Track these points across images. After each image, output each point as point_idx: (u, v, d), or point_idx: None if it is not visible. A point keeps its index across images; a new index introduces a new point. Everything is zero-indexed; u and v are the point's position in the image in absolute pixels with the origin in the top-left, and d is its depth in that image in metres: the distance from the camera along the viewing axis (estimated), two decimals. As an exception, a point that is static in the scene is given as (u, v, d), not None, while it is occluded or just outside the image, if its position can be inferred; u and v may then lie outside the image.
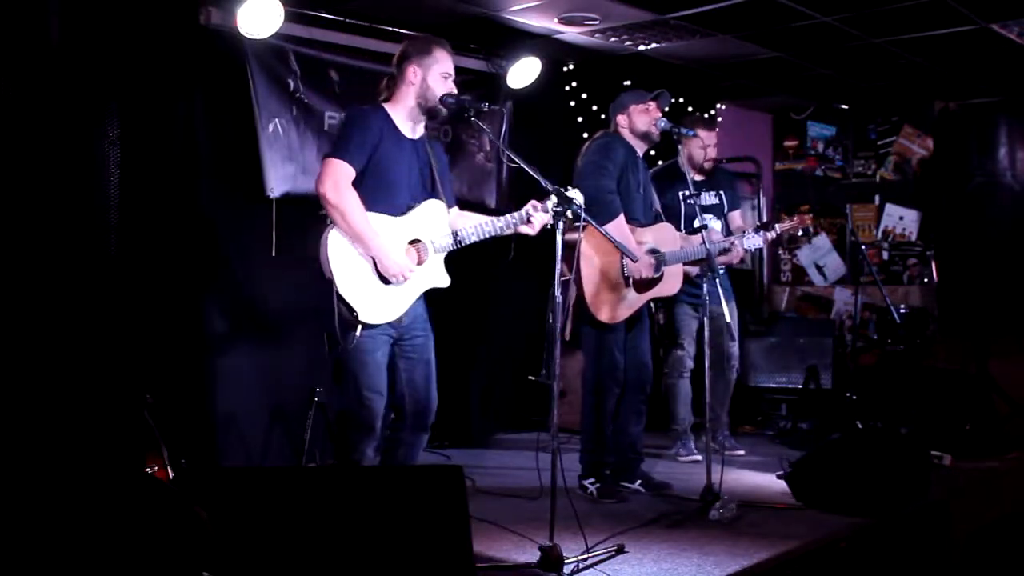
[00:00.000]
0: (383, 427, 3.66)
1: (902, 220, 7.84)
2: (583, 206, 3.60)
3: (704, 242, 4.42)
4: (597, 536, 3.69)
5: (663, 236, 4.70)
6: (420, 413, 3.69)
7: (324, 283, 3.53)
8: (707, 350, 4.62)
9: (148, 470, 3.59)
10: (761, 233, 5.16)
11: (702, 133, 5.39)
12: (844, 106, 7.99)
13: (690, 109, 7.25)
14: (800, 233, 6.38)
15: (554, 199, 3.59)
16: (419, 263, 3.61)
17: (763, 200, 8.22)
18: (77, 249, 4.19)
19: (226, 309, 4.83)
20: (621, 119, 4.68)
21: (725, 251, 5.04)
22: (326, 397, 4.55)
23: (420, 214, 3.65)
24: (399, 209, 3.60)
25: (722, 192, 5.63)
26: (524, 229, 3.76)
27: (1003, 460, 5.48)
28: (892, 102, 7.70)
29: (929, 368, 6.54)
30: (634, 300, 4.55)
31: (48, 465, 3.17)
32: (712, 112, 7.56)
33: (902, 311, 6.58)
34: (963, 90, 7.26)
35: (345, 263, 3.49)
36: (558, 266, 3.52)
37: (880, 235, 7.93)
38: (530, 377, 6.00)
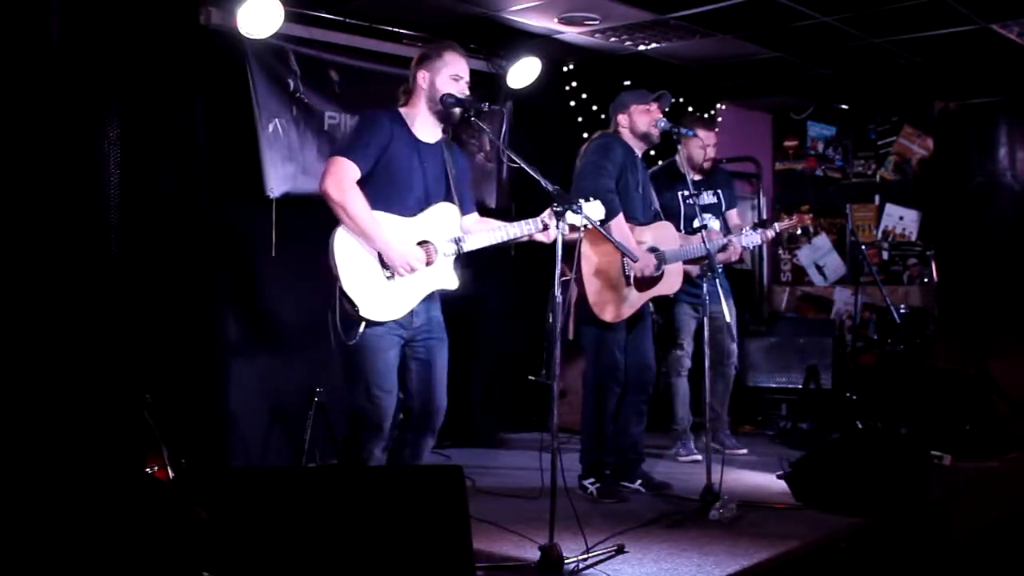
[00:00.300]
0: (391, 427, 3.67)
1: (902, 220, 7.84)
2: (586, 213, 3.63)
3: (704, 241, 4.43)
4: (597, 536, 3.69)
5: (662, 235, 4.70)
6: (428, 416, 3.70)
7: (327, 281, 3.55)
8: (707, 349, 4.62)
9: (148, 470, 3.59)
10: (759, 231, 5.16)
11: (702, 133, 5.39)
12: (844, 106, 8.00)
13: (690, 109, 7.25)
14: (800, 232, 6.39)
15: (583, 212, 3.63)
16: (427, 264, 3.61)
17: (763, 200, 8.22)
18: (77, 249, 4.19)
19: (226, 309, 4.82)
20: (622, 119, 4.68)
21: (723, 248, 5.04)
22: (327, 397, 4.55)
23: (430, 216, 3.66)
24: (409, 211, 3.61)
25: (720, 191, 5.63)
26: (540, 237, 3.76)
27: (1003, 460, 5.48)
28: (892, 102, 7.70)
29: (929, 368, 6.54)
30: (635, 299, 4.55)
31: (48, 465, 3.17)
32: (712, 112, 7.56)
33: (902, 311, 6.58)
34: (963, 90, 7.27)
35: (350, 260, 3.50)
36: (558, 266, 3.52)
37: (880, 235, 7.93)
38: (530, 377, 6.00)
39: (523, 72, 5.73)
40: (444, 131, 3.82)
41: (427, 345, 3.68)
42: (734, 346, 5.55)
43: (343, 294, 3.49)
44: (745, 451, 5.69)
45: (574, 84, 6.45)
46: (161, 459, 3.64)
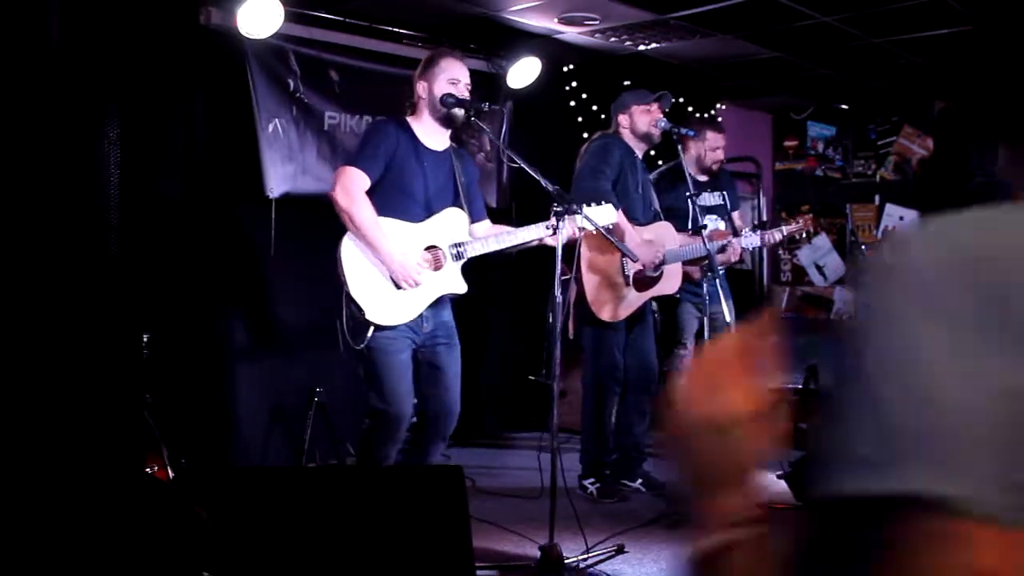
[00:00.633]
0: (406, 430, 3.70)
1: (902, 220, 7.84)
2: (595, 217, 3.66)
3: (704, 242, 4.43)
4: (597, 536, 3.69)
5: (662, 235, 4.70)
6: (440, 420, 3.72)
7: (335, 286, 3.57)
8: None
9: (148, 470, 3.59)
10: (759, 232, 5.17)
11: (711, 135, 5.38)
12: (844, 106, 7.99)
13: (690, 109, 7.25)
14: (804, 235, 6.40)
15: (590, 214, 3.66)
16: (436, 268, 3.65)
17: (763, 200, 8.22)
18: (77, 249, 4.19)
19: (225, 309, 4.83)
20: (622, 119, 4.68)
21: (722, 250, 5.04)
22: (327, 397, 4.56)
23: (439, 221, 3.69)
24: (416, 217, 3.65)
25: (725, 192, 5.64)
26: (550, 241, 3.78)
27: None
28: (892, 102, 7.70)
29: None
30: (634, 299, 4.55)
31: (48, 465, 3.17)
32: (712, 112, 7.56)
33: (902, 311, 6.58)
34: (963, 90, 7.26)
35: (358, 266, 3.54)
36: (558, 266, 3.53)
37: (880, 235, 7.93)
38: (530, 377, 6.00)
39: (523, 72, 5.73)
40: (451, 137, 3.85)
41: (439, 350, 3.71)
42: None
43: (350, 299, 3.52)
44: None
45: (574, 84, 6.45)
46: (161, 459, 3.64)
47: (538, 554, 3.38)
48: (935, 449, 0.56)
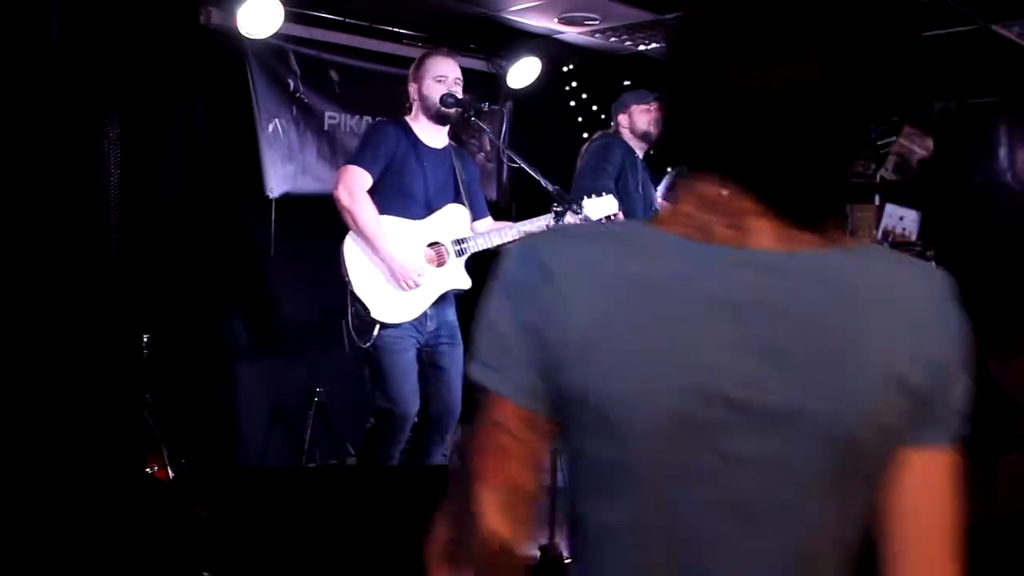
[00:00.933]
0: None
1: (902, 220, 7.84)
2: (594, 210, 3.67)
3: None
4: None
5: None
6: (442, 420, 3.74)
7: (333, 284, 3.58)
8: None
9: (148, 470, 3.59)
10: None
11: None
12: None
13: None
14: None
15: (591, 206, 3.67)
16: (439, 265, 3.67)
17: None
18: (77, 249, 4.19)
19: (226, 309, 4.83)
20: (622, 118, 4.69)
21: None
22: (327, 397, 4.55)
23: (440, 218, 3.71)
24: (417, 215, 3.67)
25: None
26: None
27: (1003, 460, 5.48)
28: (892, 102, 7.69)
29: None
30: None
31: (48, 465, 3.17)
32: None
33: (902, 311, 6.58)
34: (963, 90, 7.26)
35: (361, 264, 3.56)
36: (558, 266, 3.54)
37: (880, 235, 7.92)
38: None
39: (523, 72, 5.72)
40: (449, 135, 3.88)
41: (441, 350, 3.73)
42: None
43: (355, 298, 3.54)
44: None
45: (574, 84, 6.45)
46: (161, 459, 3.64)
47: (538, 554, 3.37)
48: (491, 359, 0.97)
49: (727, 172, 0.90)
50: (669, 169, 4.51)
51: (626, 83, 6.22)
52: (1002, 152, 7.51)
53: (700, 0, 0.91)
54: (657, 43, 5.80)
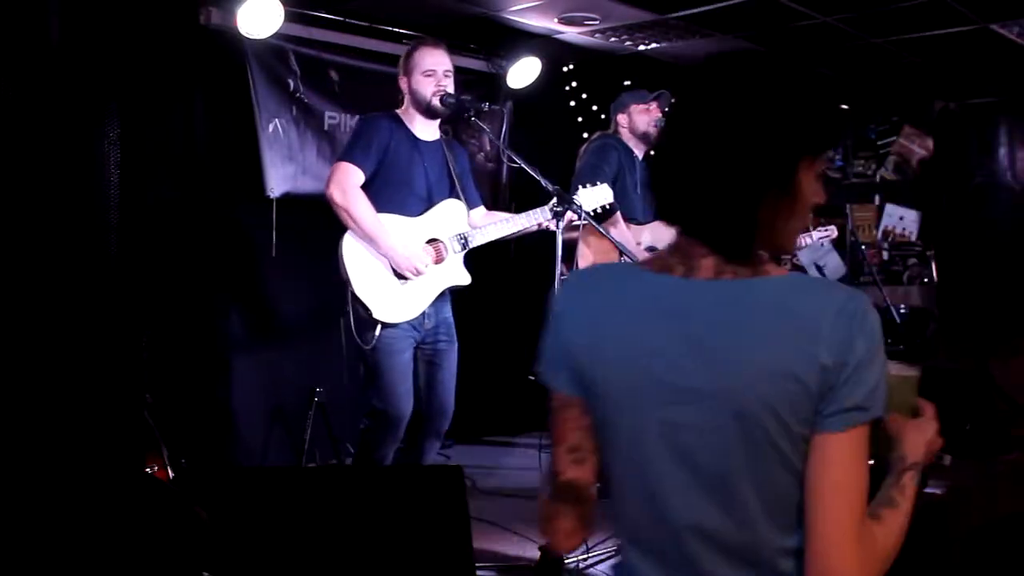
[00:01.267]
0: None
1: (902, 220, 7.84)
2: (582, 206, 3.64)
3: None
4: (597, 536, 3.69)
5: (660, 234, 4.70)
6: (436, 419, 3.72)
7: (338, 286, 3.56)
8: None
9: (148, 470, 3.59)
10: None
11: None
12: (844, 106, 7.98)
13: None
14: (828, 242, 6.43)
15: (585, 195, 3.65)
16: (438, 261, 3.64)
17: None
18: (77, 249, 4.19)
19: (226, 309, 4.83)
20: (621, 118, 4.69)
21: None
22: (327, 397, 4.56)
23: (437, 213, 3.68)
24: (414, 210, 3.64)
25: None
26: (550, 226, 3.77)
27: (1003, 460, 5.48)
28: (892, 102, 7.69)
29: (929, 368, 6.53)
30: (634, 300, 4.55)
31: (48, 465, 3.17)
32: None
33: (902, 311, 6.58)
34: (963, 90, 7.26)
35: (360, 264, 3.52)
36: (558, 266, 3.53)
37: (880, 235, 7.93)
38: (530, 377, 6.00)
39: (523, 72, 5.73)
40: (443, 130, 3.85)
41: (437, 348, 3.70)
42: None
43: (356, 299, 3.51)
44: None
45: (574, 84, 6.45)
46: (161, 459, 3.64)
47: (538, 554, 3.38)
48: (545, 367, 1.45)
49: (681, 225, 1.32)
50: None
51: (626, 83, 6.22)
52: (1002, 152, 7.50)
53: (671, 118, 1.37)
54: (657, 43, 5.81)
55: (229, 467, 4.56)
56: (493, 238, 3.76)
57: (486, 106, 4.01)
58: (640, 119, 4.64)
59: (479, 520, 3.74)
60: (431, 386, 3.70)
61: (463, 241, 3.70)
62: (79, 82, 4.19)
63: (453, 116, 3.84)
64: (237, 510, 2.68)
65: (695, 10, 5.12)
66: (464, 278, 3.72)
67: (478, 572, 3.20)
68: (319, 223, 3.63)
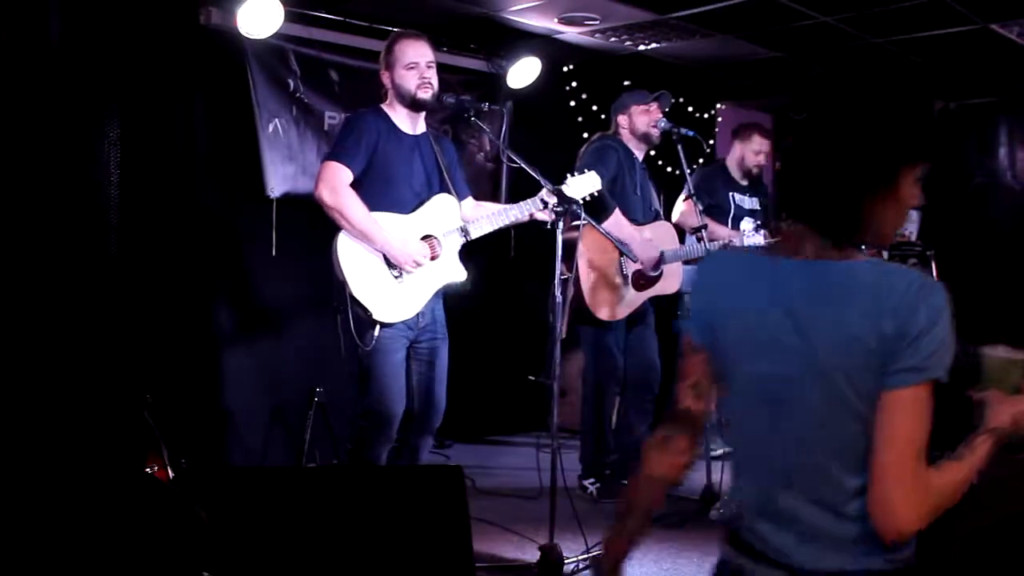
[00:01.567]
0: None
1: (902, 220, 7.83)
2: (581, 203, 3.64)
3: (704, 242, 4.43)
4: (597, 536, 3.69)
5: (661, 234, 4.70)
6: (427, 416, 3.70)
7: (331, 284, 3.54)
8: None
9: (148, 470, 3.59)
10: (762, 231, 5.18)
11: (756, 138, 5.58)
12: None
13: (690, 109, 7.26)
14: None
15: (573, 184, 3.64)
16: (432, 258, 3.61)
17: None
18: (77, 249, 4.19)
19: (226, 309, 4.83)
20: (622, 119, 4.69)
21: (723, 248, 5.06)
22: (327, 397, 4.56)
23: (430, 209, 3.66)
24: (407, 207, 3.61)
25: (763, 199, 5.72)
26: (540, 216, 3.76)
27: (1003, 460, 5.48)
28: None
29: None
30: (633, 298, 4.55)
31: (48, 465, 3.17)
32: (712, 112, 7.57)
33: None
34: (963, 90, 7.26)
35: (356, 264, 3.50)
36: (558, 265, 3.53)
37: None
38: (530, 377, 6.00)
39: (523, 72, 5.73)
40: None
41: (430, 345, 3.69)
42: None
43: (354, 300, 3.48)
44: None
45: (574, 84, 6.45)
46: (161, 459, 3.64)
47: (538, 554, 3.38)
48: (686, 318, 1.78)
49: (798, 216, 1.61)
50: (689, 171, 4.54)
51: (626, 83, 6.22)
52: (1002, 152, 7.50)
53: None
54: (657, 43, 5.81)
55: (229, 467, 4.56)
56: (489, 230, 3.74)
57: (486, 106, 4.00)
58: (640, 120, 4.64)
59: (479, 520, 3.74)
60: (424, 383, 3.68)
61: (460, 236, 3.67)
62: (79, 82, 4.19)
63: (453, 116, 3.82)
64: (237, 510, 2.68)
65: (695, 10, 5.12)
66: (460, 274, 3.70)
67: (478, 572, 3.20)
68: (319, 223, 3.63)
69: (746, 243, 5.10)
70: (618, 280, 4.50)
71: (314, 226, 3.62)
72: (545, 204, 3.69)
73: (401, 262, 3.51)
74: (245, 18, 4.46)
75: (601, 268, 4.44)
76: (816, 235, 1.57)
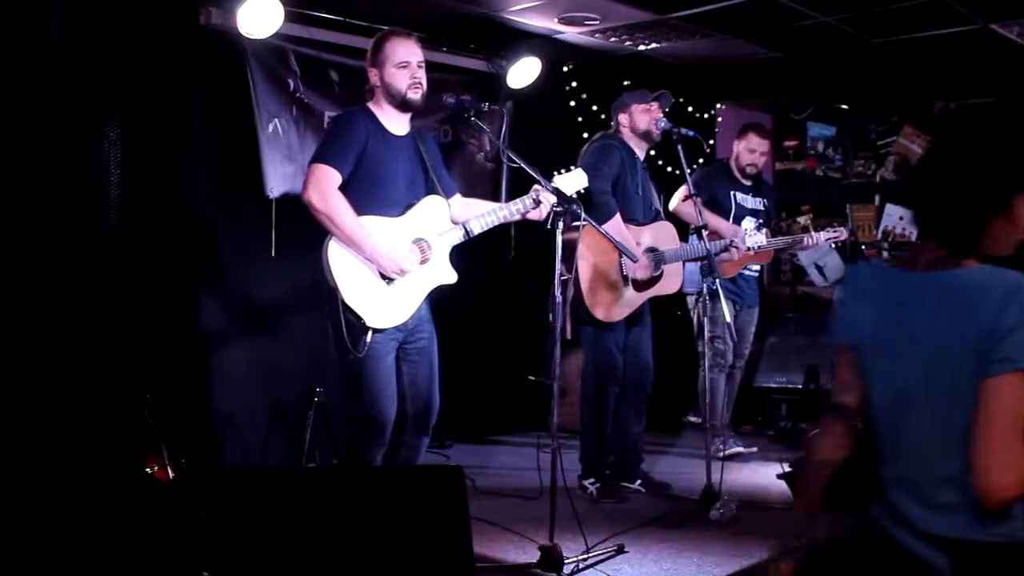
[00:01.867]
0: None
1: (902, 220, 7.84)
2: (580, 202, 3.64)
3: (704, 242, 4.44)
4: (597, 536, 3.69)
5: (662, 234, 4.70)
6: (422, 416, 3.68)
7: (328, 288, 3.52)
8: (706, 350, 4.63)
9: (148, 470, 3.59)
10: (764, 231, 5.18)
11: (752, 137, 5.60)
12: (844, 106, 7.99)
13: (690, 109, 7.26)
14: (838, 244, 6.43)
15: (561, 181, 3.63)
16: (423, 262, 3.59)
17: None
18: (77, 249, 4.19)
19: (226, 309, 4.82)
20: (623, 118, 4.69)
21: (724, 250, 5.05)
22: (327, 397, 4.56)
23: (419, 212, 3.63)
24: (397, 209, 3.58)
25: (766, 200, 5.72)
26: (533, 214, 3.74)
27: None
28: (892, 102, 7.69)
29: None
30: (633, 299, 4.55)
31: (49, 465, 3.17)
32: (712, 112, 7.57)
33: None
34: (963, 90, 7.26)
35: (347, 270, 3.47)
36: (558, 265, 3.53)
37: (880, 235, 7.93)
38: (530, 377, 6.00)
39: (523, 72, 5.73)
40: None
41: (419, 346, 3.66)
42: (731, 349, 5.53)
43: (346, 307, 3.45)
44: (755, 449, 5.74)
45: (574, 84, 6.45)
46: (161, 459, 3.64)
47: (538, 554, 3.38)
48: (834, 327, 2.08)
49: (928, 230, 1.89)
50: (689, 171, 4.54)
51: (626, 83, 6.22)
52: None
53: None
54: (657, 43, 5.81)
55: (229, 467, 4.56)
56: (485, 229, 3.72)
57: (486, 106, 3.99)
58: (641, 118, 4.64)
59: (479, 520, 3.74)
60: (416, 383, 3.65)
61: (461, 231, 3.65)
62: (79, 82, 4.19)
63: (453, 116, 3.80)
64: (237, 510, 2.68)
65: (695, 10, 5.12)
66: (450, 276, 3.66)
67: (478, 572, 3.20)
68: (319, 223, 3.62)
69: (747, 242, 5.10)
70: (618, 280, 4.50)
71: (314, 226, 3.61)
72: (537, 203, 3.68)
73: (389, 271, 3.47)
74: (245, 18, 4.46)
75: (601, 268, 4.44)
76: (941, 247, 1.84)
